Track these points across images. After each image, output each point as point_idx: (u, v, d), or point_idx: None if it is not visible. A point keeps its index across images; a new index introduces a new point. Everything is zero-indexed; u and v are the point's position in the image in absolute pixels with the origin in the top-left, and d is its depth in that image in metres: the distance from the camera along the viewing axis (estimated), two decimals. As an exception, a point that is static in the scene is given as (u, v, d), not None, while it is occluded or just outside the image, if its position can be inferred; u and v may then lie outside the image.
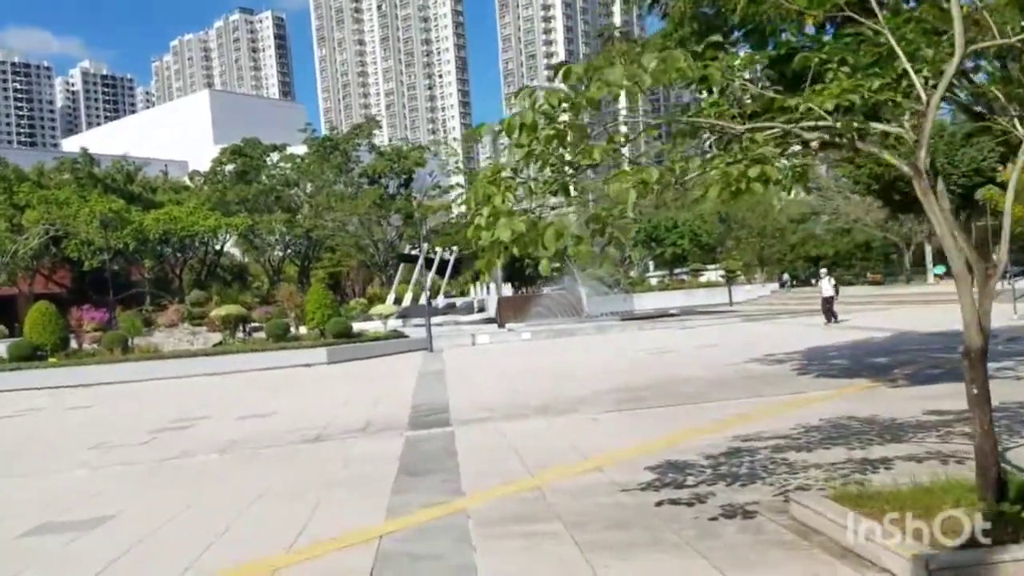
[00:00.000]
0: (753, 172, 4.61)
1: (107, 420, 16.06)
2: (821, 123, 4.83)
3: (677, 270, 78.48)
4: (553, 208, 5.61)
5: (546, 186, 4.79)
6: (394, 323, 37.15)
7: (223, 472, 9.56)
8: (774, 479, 6.62)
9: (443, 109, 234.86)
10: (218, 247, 55.75)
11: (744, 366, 16.07)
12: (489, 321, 45.14)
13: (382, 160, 60.79)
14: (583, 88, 4.89)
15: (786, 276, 62.27)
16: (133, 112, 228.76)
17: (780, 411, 10.46)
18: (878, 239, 62.27)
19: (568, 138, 4.65)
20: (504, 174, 5.35)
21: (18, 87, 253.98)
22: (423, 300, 42.19)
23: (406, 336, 30.23)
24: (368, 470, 8.90)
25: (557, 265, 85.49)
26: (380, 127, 75.03)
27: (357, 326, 30.14)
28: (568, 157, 4.97)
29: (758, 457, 7.58)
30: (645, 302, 58.51)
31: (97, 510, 7.96)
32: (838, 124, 4.82)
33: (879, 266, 65.12)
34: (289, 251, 58.04)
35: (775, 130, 4.79)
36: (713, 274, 75.16)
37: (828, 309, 26.94)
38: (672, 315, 44.25)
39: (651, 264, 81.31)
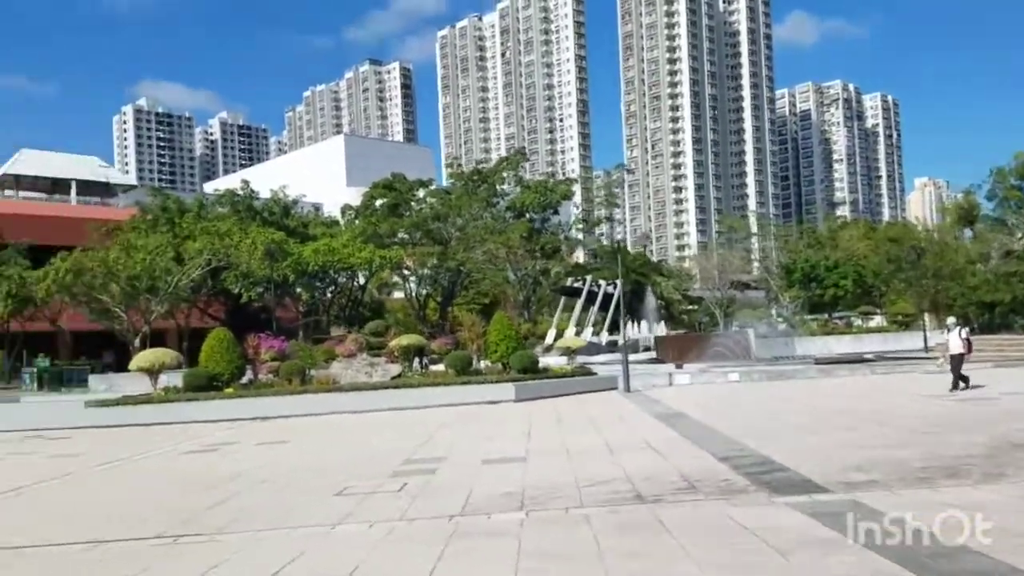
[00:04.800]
0: None
1: (320, 460, 13.49)
2: None
3: (835, 314, 72.43)
4: None
5: None
6: (559, 359, 34.16)
7: (581, 550, 6.53)
8: None
9: (562, 152, 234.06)
10: (361, 282, 54.55)
11: None
12: (655, 361, 41.56)
13: (528, 193, 58.65)
14: None
15: None
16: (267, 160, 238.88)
17: None
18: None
19: None
20: None
21: (160, 136, 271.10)
22: (596, 337, 39.11)
23: (595, 374, 27.10)
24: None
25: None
26: (527, 159, 73.13)
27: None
28: None
29: None
30: (809, 347, 53.24)
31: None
32: None
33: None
34: (435, 286, 56.31)
35: None
36: (879, 319, 68.79)
37: (957, 369, 19.65)
38: (868, 360, 39.41)
39: (800, 306, 75.27)
